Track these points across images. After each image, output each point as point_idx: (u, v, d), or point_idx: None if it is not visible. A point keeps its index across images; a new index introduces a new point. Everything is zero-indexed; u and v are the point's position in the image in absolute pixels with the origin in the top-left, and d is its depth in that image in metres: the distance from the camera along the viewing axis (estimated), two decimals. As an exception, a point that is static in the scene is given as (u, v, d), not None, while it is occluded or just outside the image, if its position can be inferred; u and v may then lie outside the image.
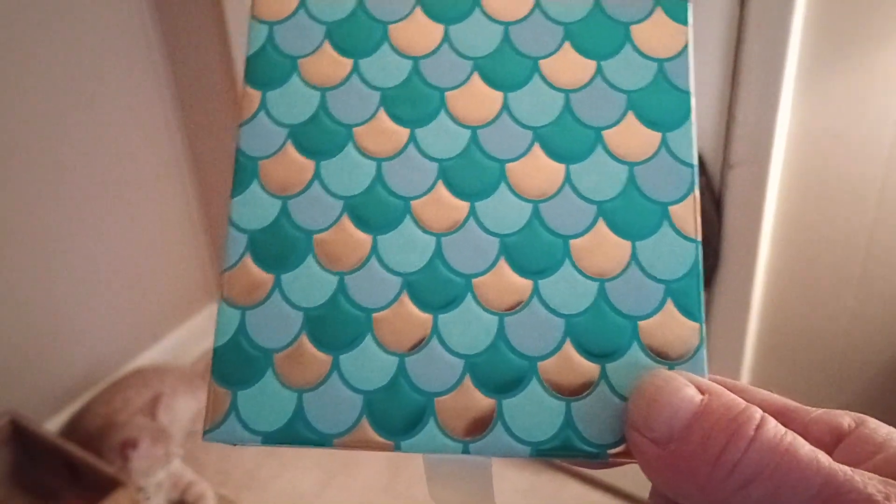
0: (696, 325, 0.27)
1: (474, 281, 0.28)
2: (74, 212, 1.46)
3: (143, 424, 1.41)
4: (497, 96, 0.29)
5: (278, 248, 0.28)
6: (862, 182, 1.01)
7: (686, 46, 0.29)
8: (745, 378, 1.19)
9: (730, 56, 0.98)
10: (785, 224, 1.08)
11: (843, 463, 0.21)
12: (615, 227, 0.28)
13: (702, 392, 0.23)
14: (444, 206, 0.28)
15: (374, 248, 0.28)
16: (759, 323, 1.16)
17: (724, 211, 1.07)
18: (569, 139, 0.29)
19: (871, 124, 0.97)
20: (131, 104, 1.51)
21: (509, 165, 0.29)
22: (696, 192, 0.28)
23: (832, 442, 0.24)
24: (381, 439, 0.26)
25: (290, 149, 0.29)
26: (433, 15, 0.31)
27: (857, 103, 0.96)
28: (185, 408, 1.51)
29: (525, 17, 0.30)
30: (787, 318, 1.15)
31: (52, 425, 1.50)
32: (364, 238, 0.28)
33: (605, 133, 0.29)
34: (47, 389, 1.50)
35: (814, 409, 0.26)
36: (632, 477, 1.36)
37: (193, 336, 1.76)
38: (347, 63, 0.30)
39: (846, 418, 0.24)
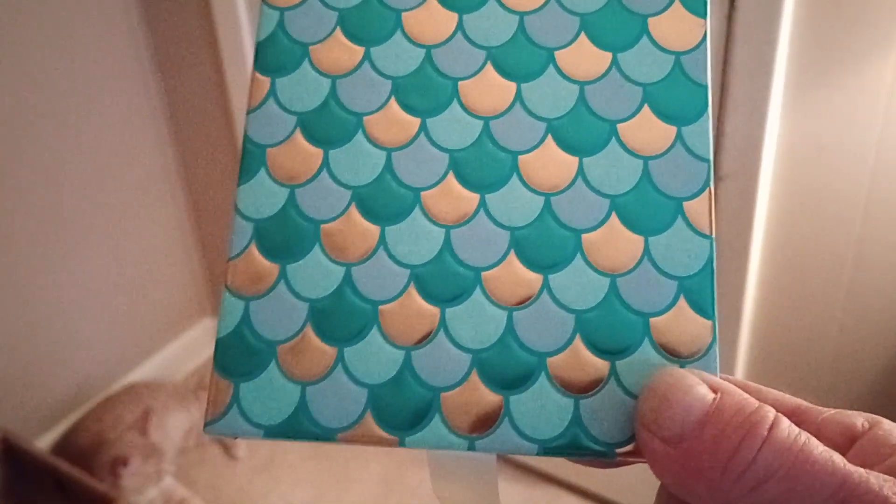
0: (709, 322, 0.26)
1: (483, 274, 0.27)
2: (65, 228, 1.45)
3: (134, 441, 1.40)
4: (511, 87, 0.29)
5: (285, 237, 0.28)
6: (849, 194, 1.01)
7: (704, 40, 0.29)
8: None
9: (718, 69, 0.99)
10: (774, 236, 1.08)
11: (856, 464, 0.21)
12: (628, 222, 0.27)
13: (714, 391, 0.23)
14: (455, 197, 0.28)
15: (382, 240, 0.28)
16: (749, 334, 1.16)
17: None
18: (583, 132, 0.28)
19: (856, 137, 0.98)
20: (122, 118, 1.51)
21: (522, 157, 0.28)
22: (712, 187, 0.28)
23: (845, 443, 0.24)
24: (385, 434, 0.26)
25: (299, 137, 0.29)
26: (447, 3, 0.30)
27: (843, 116, 0.97)
28: (177, 424, 1.50)
29: (541, 7, 0.30)
30: (776, 330, 1.15)
31: (43, 443, 1.48)
32: (372, 229, 0.28)
33: (620, 126, 0.28)
34: (38, 407, 1.48)
35: (826, 409, 0.25)
36: (628, 488, 1.35)
37: (185, 352, 1.76)
38: (359, 51, 0.30)
39: (860, 419, 0.24)
